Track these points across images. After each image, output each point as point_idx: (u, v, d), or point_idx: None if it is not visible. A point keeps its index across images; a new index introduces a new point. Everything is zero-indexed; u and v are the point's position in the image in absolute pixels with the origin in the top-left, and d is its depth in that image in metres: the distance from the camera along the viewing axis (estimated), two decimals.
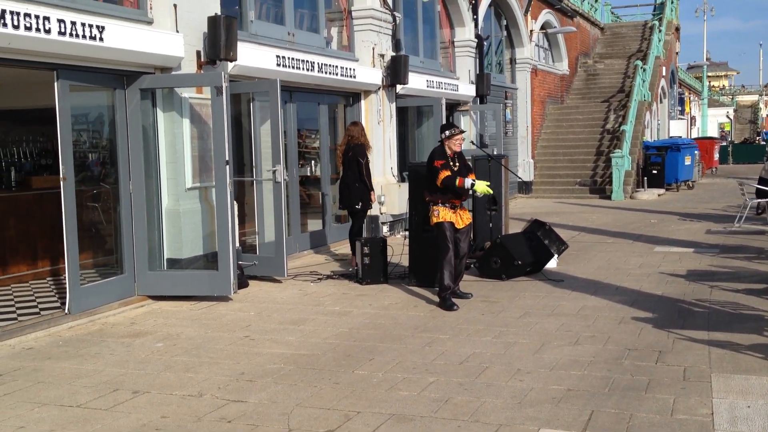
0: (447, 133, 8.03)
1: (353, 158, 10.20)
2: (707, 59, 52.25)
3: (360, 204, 10.29)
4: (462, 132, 8.07)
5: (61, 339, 6.98)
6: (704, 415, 4.74)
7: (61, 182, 7.55)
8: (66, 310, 7.64)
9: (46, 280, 9.78)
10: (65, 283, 7.78)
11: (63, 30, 7.14)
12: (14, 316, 7.72)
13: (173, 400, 5.28)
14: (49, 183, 10.03)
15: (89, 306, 7.80)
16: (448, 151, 8.00)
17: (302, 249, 11.78)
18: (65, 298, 7.74)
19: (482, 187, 7.97)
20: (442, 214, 7.94)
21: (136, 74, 8.40)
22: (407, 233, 9.84)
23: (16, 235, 9.66)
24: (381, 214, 13.19)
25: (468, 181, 7.89)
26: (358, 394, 5.31)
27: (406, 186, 12.19)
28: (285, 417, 4.91)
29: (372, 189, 10.42)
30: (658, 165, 21.50)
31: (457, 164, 8.02)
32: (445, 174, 7.80)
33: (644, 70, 25.01)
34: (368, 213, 10.71)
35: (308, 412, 4.99)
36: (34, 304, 8.33)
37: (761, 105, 77.00)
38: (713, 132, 52.82)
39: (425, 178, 8.14)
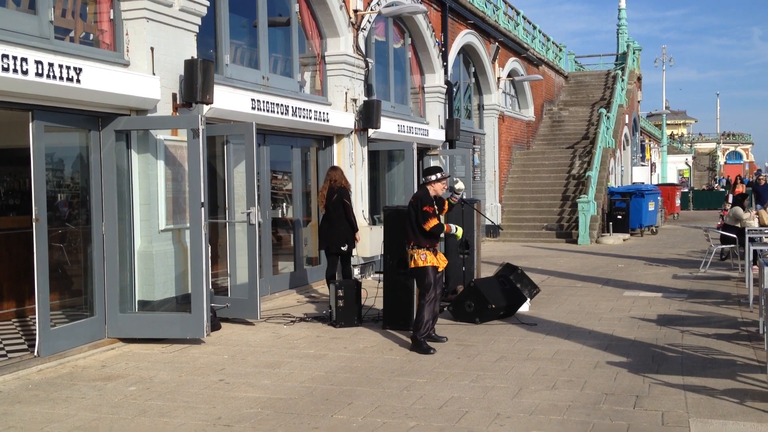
0: (438, 176, 8.06)
1: (338, 201, 10.40)
2: (666, 108, 53.52)
3: (346, 245, 10.47)
4: (446, 176, 8.18)
5: (31, 382, 6.82)
6: None
7: (34, 223, 7.45)
8: (35, 353, 7.48)
9: (11, 321, 9.56)
10: (32, 325, 7.64)
11: (40, 71, 7.11)
12: None
13: None
14: (18, 224, 9.88)
15: (59, 348, 7.64)
16: (433, 193, 8.06)
17: (274, 291, 11.71)
18: (33, 340, 7.58)
19: (460, 231, 8.39)
20: (429, 258, 7.98)
21: (112, 116, 8.38)
22: (380, 276, 9.86)
23: None
24: (353, 256, 13.17)
25: (453, 227, 8.17)
26: None
27: (377, 229, 12.24)
28: None
29: (357, 229, 10.70)
30: (623, 210, 21.85)
31: (436, 208, 8.09)
32: (434, 222, 7.90)
33: (608, 117, 25.56)
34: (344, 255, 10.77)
35: None
36: (1, 346, 8.13)
37: (719, 152, 79.02)
38: (673, 178, 53.91)
39: (410, 222, 8.06)
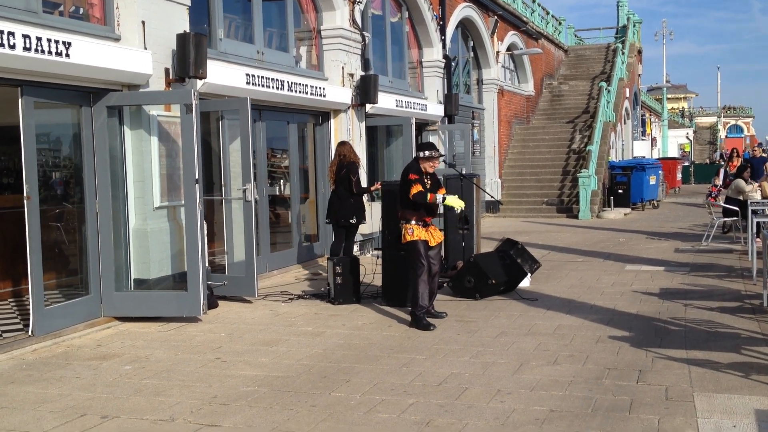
0: (426, 153, 7.89)
1: (346, 176, 10.34)
2: (667, 81, 53.10)
3: (354, 218, 10.45)
4: (439, 155, 7.98)
5: (25, 362, 6.72)
6: None
7: (25, 201, 7.32)
8: (29, 333, 7.38)
9: (7, 301, 9.46)
10: (27, 305, 7.52)
11: (28, 45, 6.94)
12: None
13: (144, 425, 5.08)
14: (10, 202, 9.75)
15: (54, 328, 7.54)
16: (423, 170, 7.93)
17: (272, 268, 11.60)
18: (28, 320, 7.47)
19: (453, 200, 7.96)
20: (416, 232, 7.85)
21: (103, 91, 8.22)
22: (378, 252, 9.75)
23: None
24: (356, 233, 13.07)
25: (439, 197, 7.85)
26: (336, 417, 5.16)
27: (376, 205, 12.11)
28: None
29: (368, 191, 10.99)
30: (624, 185, 21.70)
31: (429, 182, 7.96)
32: (417, 189, 7.73)
33: (609, 91, 25.33)
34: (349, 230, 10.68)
35: None
36: None
37: (719, 126, 78.64)
38: (674, 153, 53.68)
39: (399, 193, 8.03)
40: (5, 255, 9.52)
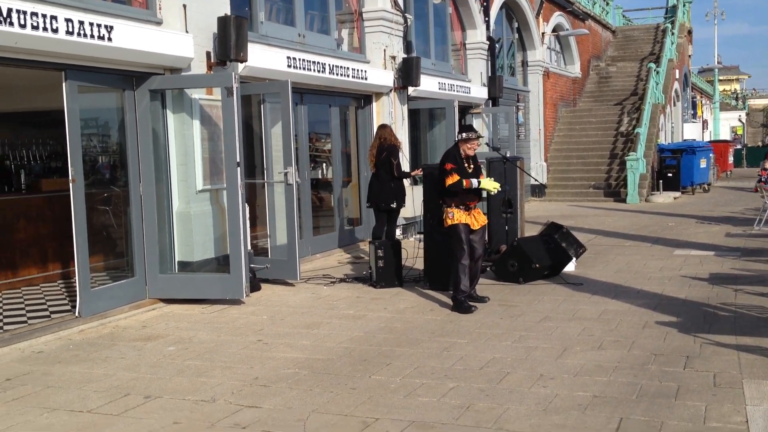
0: (463, 135, 7.88)
1: (386, 159, 10.31)
2: (719, 62, 51.85)
3: (395, 203, 10.42)
4: (478, 137, 7.89)
5: (72, 342, 6.83)
6: (738, 423, 4.54)
7: (71, 184, 7.42)
8: (76, 314, 7.51)
9: (56, 283, 9.65)
10: (75, 287, 7.65)
11: (71, 29, 7.00)
12: (24, 319, 7.58)
13: (186, 405, 5.12)
14: (59, 186, 9.91)
15: (100, 309, 7.65)
16: (462, 153, 7.84)
17: (315, 252, 11.62)
18: (76, 301, 7.59)
19: (489, 183, 7.89)
20: (457, 216, 7.78)
21: (146, 75, 8.27)
22: (421, 236, 9.68)
23: (27, 238, 9.54)
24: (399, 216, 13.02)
25: (474, 181, 7.77)
26: (376, 400, 5.13)
27: (418, 189, 12.02)
28: (301, 423, 4.74)
29: (409, 175, 10.86)
30: (673, 168, 21.26)
31: (472, 166, 7.86)
32: (452, 179, 7.71)
33: (657, 72, 24.78)
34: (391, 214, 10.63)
35: (325, 419, 4.81)
36: (45, 307, 8.19)
37: None
38: (725, 135, 52.45)
39: (438, 180, 7.98)
40: (55, 237, 9.69)
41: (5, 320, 7.54)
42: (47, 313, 7.87)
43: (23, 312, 7.94)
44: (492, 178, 8.13)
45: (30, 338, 6.80)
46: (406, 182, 11.85)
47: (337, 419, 4.80)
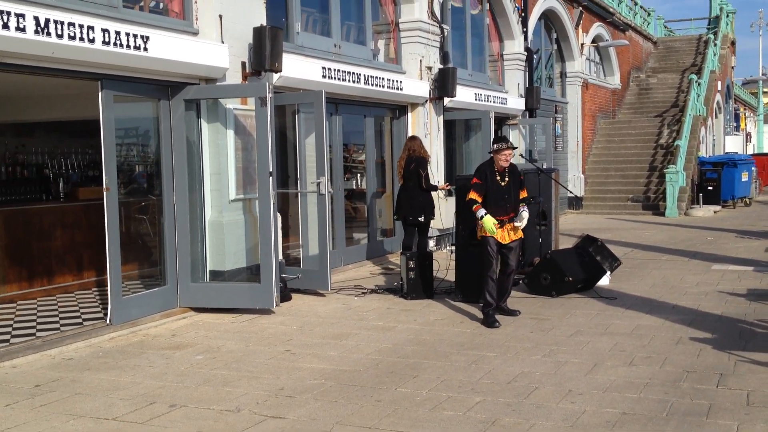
0: (495, 147, 7.86)
1: (415, 170, 10.28)
2: (763, 74, 50.82)
3: (423, 216, 10.35)
4: (509, 147, 7.79)
5: (102, 350, 6.90)
6: None
7: (105, 192, 7.51)
8: (108, 321, 7.59)
9: (91, 290, 9.78)
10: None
11: (107, 40, 7.10)
12: (57, 326, 7.68)
13: (210, 414, 5.12)
14: (96, 194, 10.04)
15: (131, 317, 7.73)
16: (497, 166, 7.78)
17: (347, 263, 11.62)
18: (108, 309, 7.67)
19: (487, 223, 7.58)
20: (486, 224, 7.70)
21: (181, 85, 8.36)
22: (453, 248, 9.62)
23: (63, 246, 9.69)
24: (430, 228, 12.98)
25: (480, 212, 7.64)
26: (400, 413, 5.09)
27: (453, 200, 11.96)
28: None
29: (437, 188, 10.71)
30: (714, 181, 20.86)
31: (507, 179, 7.78)
32: (470, 196, 7.73)
33: (699, 84, 24.39)
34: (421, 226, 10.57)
35: (349, 431, 4.78)
36: (78, 314, 8.30)
37: None
38: None
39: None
40: (91, 245, 9.81)
41: (39, 327, 7.65)
42: (80, 320, 7.97)
43: (57, 319, 8.05)
44: (497, 224, 7.64)
45: (61, 345, 6.88)
46: (441, 193, 11.80)
47: (361, 431, 4.76)
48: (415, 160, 10.29)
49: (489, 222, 7.61)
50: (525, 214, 7.87)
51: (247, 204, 9.03)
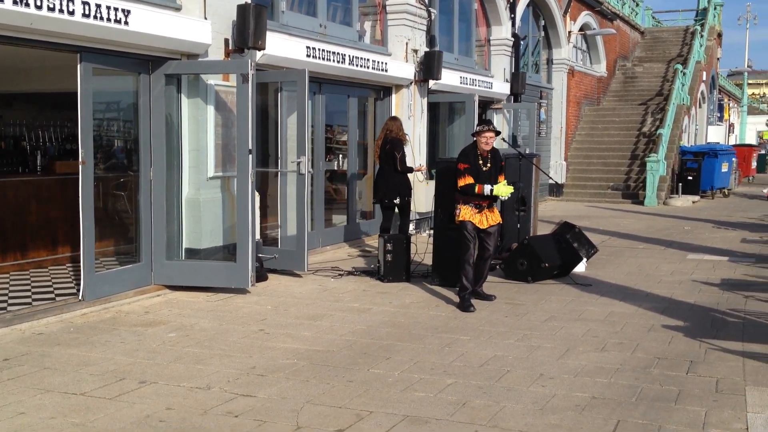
0: (476, 128, 7.84)
1: (390, 152, 10.17)
2: (749, 66, 51.05)
3: (398, 198, 10.27)
4: (490, 130, 7.76)
5: (73, 326, 6.85)
6: (738, 430, 4.46)
7: (80, 166, 7.43)
8: (80, 297, 7.52)
9: (65, 266, 9.69)
10: None
11: (87, 12, 6.98)
12: (29, 301, 7.61)
13: (180, 391, 5.10)
14: (73, 168, 9.91)
15: (104, 293, 7.67)
16: (479, 150, 7.75)
17: (325, 244, 11.59)
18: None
19: (500, 189, 7.70)
20: (464, 212, 7.71)
21: (162, 60, 8.25)
22: (432, 232, 9.62)
23: (37, 220, 9.57)
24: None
25: (487, 188, 7.64)
26: (371, 394, 5.09)
27: (432, 183, 11.95)
28: (294, 414, 4.71)
29: (412, 170, 10.60)
30: (694, 171, 20.98)
31: (489, 164, 7.77)
32: (464, 181, 7.66)
33: (684, 74, 24.45)
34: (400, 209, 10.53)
35: (319, 410, 4.78)
36: (51, 290, 8.22)
37: None
38: (752, 140, 51.69)
39: (453, 177, 7.90)
40: (66, 220, 9.71)
41: (10, 301, 7.57)
42: (52, 295, 7.90)
43: (29, 294, 7.98)
44: (506, 182, 7.88)
45: (32, 320, 6.82)
46: (419, 176, 11.78)
47: (330, 411, 4.76)
48: (391, 141, 10.21)
49: (501, 188, 7.67)
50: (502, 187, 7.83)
51: (226, 182, 8.97)
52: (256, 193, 8.82)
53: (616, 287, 8.75)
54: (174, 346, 6.22)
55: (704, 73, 29.85)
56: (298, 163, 9.17)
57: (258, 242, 9.08)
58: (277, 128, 10.45)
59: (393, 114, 13.03)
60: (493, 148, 7.83)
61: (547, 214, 15.77)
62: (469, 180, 7.63)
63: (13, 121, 12.22)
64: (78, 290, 7.72)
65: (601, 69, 25.91)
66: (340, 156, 13.15)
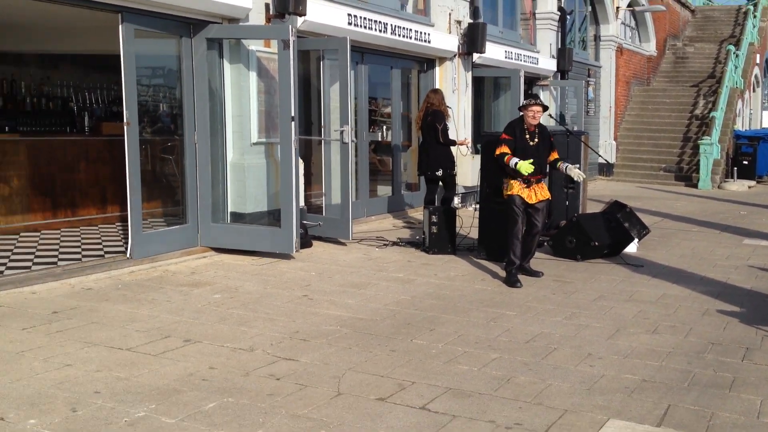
0: (523, 102, 7.68)
1: (431, 124, 9.99)
2: None
3: (440, 170, 10.10)
4: (537, 104, 7.56)
5: (121, 282, 6.88)
6: None
7: (125, 127, 7.43)
8: (128, 255, 7.56)
9: (114, 225, 9.78)
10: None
11: None
12: (79, 257, 7.68)
13: (223, 352, 5.08)
14: (119, 130, 9.96)
15: (151, 252, 7.70)
16: (526, 124, 7.58)
17: (370, 214, 11.52)
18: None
19: (525, 166, 7.42)
20: (512, 187, 7.56)
21: (203, 23, 8.20)
22: (478, 206, 9.48)
23: (87, 179, 9.67)
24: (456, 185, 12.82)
25: (513, 161, 7.44)
26: (414, 364, 5.01)
27: (478, 158, 11.78)
28: (336, 380, 4.65)
29: (455, 143, 10.30)
30: (749, 156, 20.40)
31: (536, 139, 7.60)
32: (501, 150, 7.50)
33: (737, 55, 23.74)
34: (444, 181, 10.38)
35: (360, 378, 4.71)
36: (100, 247, 8.29)
37: None
38: None
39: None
40: (115, 180, 9.77)
41: (60, 256, 7.64)
42: (102, 252, 7.97)
43: (79, 250, 8.05)
44: (531, 161, 7.46)
45: (81, 275, 6.87)
46: (462, 149, 11.63)
47: (372, 379, 4.69)
48: (432, 113, 10.02)
49: (525, 164, 7.43)
50: (575, 168, 7.69)
51: (270, 148, 8.92)
52: (300, 161, 8.76)
53: (668, 269, 8.52)
54: (219, 307, 6.20)
55: (758, 55, 28.96)
56: (341, 132, 9.07)
57: (302, 209, 9.04)
58: (319, 97, 10.36)
59: (437, 86, 12.85)
60: (540, 123, 7.66)
61: (597, 193, 15.49)
62: (505, 149, 7.48)
63: (60, 82, 12.32)
64: (126, 248, 7.76)
65: (650, 48, 25.28)
66: (384, 127, 13.03)
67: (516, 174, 7.51)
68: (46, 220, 9.13)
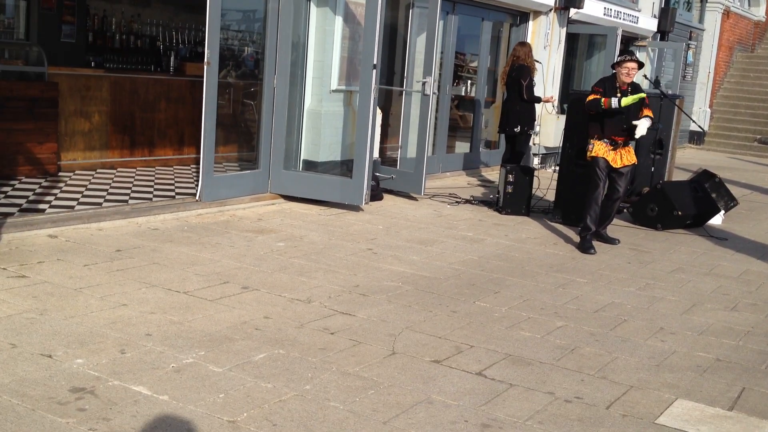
0: (618, 58, 7.25)
1: (516, 79, 9.62)
2: None
3: (518, 127, 9.74)
4: (633, 60, 7.13)
5: (187, 224, 6.90)
6: None
7: (205, 66, 7.36)
8: (197, 198, 7.58)
9: (189, 167, 9.83)
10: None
11: None
12: (150, 196, 7.74)
13: (280, 301, 5.01)
14: (202, 71, 9.98)
15: (220, 196, 7.69)
16: (618, 82, 7.16)
17: (445, 170, 11.28)
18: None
19: (629, 98, 7.01)
20: (597, 148, 7.19)
21: None
22: (557, 168, 9.13)
23: (166, 119, 9.72)
24: (533, 144, 12.41)
25: (614, 101, 6.99)
26: (474, 327, 4.83)
27: (563, 118, 11.34)
28: (391, 338, 4.51)
29: (540, 100, 9.88)
30: None
31: (607, 90, 7.19)
32: (593, 96, 7.08)
33: None
34: (531, 139, 10.03)
35: (417, 337, 4.56)
36: (172, 188, 8.34)
37: None
38: None
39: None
40: (193, 122, 9.81)
41: (132, 195, 7.72)
42: (173, 193, 8.01)
43: (151, 190, 8.12)
44: (633, 96, 7.11)
45: (149, 215, 6.91)
46: (548, 107, 11.20)
47: (429, 340, 4.54)
48: (518, 68, 9.65)
49: (628, 98, 7.01)
50: (645, 121, 7.15)
51: (349, 96, 8.75)
52: (379, 111, 8.58)
53: (754, 244, 8.04)
54: (281, 255, 6.14)
55: None
56: (424, 84, 8.82)
57: (376, 161, 8.89)
58: (405, 47, 10.09)
59: (529, 41, 12.37)
60: (633, 82, 7.22)
61: (685, 161, 14.80)
62: (596, 96, 7.08)
63: (150, 21, 12.41)
64: (196, 191, 7.78)
65: (759, 12, 23.81)
66: (469, 83, 12.68)
67: (611, 133, 7.11)
68: (123, 158, 9.24)
